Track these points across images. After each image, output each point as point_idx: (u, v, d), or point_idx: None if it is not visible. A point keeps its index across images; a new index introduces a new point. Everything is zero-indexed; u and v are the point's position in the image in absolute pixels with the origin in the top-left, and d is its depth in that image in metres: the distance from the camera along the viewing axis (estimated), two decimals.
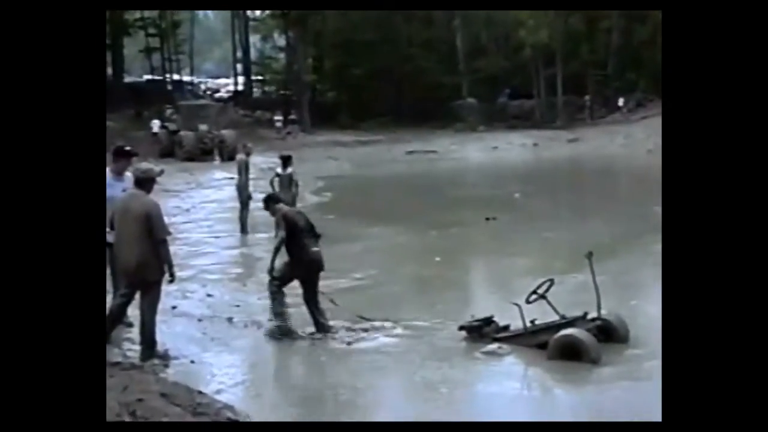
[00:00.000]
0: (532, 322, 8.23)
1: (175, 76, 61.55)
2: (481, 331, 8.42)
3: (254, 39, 64.61)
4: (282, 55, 61.07)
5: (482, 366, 7.89)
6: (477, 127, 49.95)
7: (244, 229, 15.96)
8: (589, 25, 51.41)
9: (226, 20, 69.56)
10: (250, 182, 16.70)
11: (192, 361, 8.07)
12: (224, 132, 37.39)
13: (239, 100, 58.73)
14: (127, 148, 9.15)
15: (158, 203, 7.91)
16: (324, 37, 56.16)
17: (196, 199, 21.53)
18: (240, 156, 17.42)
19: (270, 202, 9.36)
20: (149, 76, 60.37)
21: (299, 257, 9.00)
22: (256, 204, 16.67)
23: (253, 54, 64.35)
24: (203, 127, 37.23)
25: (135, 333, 8.23)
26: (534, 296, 8.33)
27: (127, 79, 57.65)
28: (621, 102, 51.44)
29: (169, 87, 57.22)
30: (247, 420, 6.06)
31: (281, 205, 9.35)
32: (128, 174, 8.53)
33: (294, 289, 10.12)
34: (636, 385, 7.14)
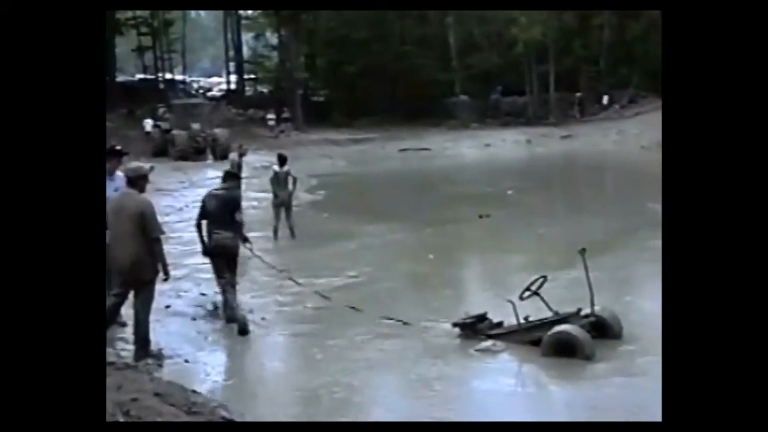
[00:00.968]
0: (525, 318, 8.25)
1: (168, 75, 61.41)
2: (475, 328, 8.42)
3: (247, 37, 64.54)
4: (275, 54, 60.97)
5: (477, 363, 7.89)
6: (470, 124, 49.96)
7: None
8: (582, 22, 51.40)
9: (218, 19, 69.32)
10: (243, 182, 16.67)
11: (186, 361, 8.07)
12: (217, 131, 37.30)
13: (232, 98, 58.57)
14: (118, 147, 9.14)
15: (152, 202, 7.91)
16: (317, 35, 56.05)
17: (189, 198, 21.46)
18: (233, 155, 17.43)
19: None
20: (142, 75, 60.22)
21: (208, 240, 9.40)
22: (249, 203, 16.70)
23: (246, 52, 64.26)
24: (196, 125, 37.14)
25: (128, 333, 8.22)
26: (527, 293, 8.34)
27: (120, 78, 57.42)
28: (606, 100, 51.59)
29: (162, 86, 57.08)
30: (242, 419, 6.06)
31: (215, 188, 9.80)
32: (119, 173, 8.54)
33: (289, 287, 10.17)
34: (631, 381, 7.16)
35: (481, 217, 17.38)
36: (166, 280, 7.95)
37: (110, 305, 7.82)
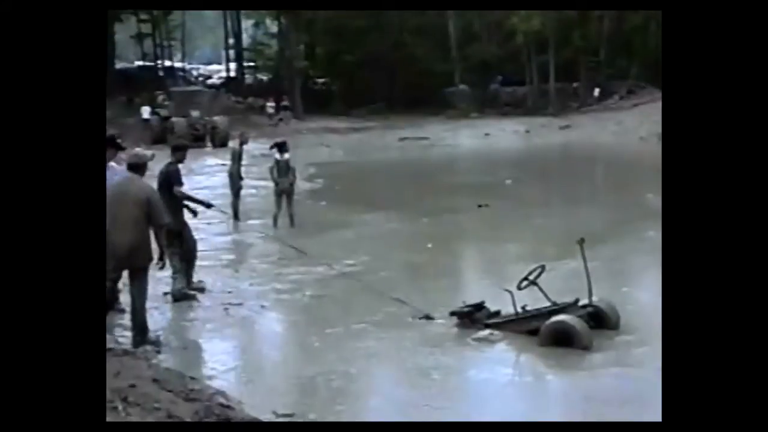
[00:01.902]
0: (523, 308, 8.25)
1: (167, 63, 61.27)
2: (473, 317, 8.42)
3: (246, 25, 64.32)
4: (274, 42, 60.84)
5: (474, 352, 7.89)
6: (469, 114, 49.93)
7: (236, 216, 15.94)
8: (581, 13, 51.26)
9: None
10: (242, 168, 16.67)
11: (184, 347, 8.08)
12: (216, 118, 37.31)
13: (231, 86, 58.49)
14: (119, 140, 9.14)
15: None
16: (316, 24, 55.89)
17: (187, 186, 21.38)
18: (234, 144, 17.40)
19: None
20: (141, 63, 59.99)
21: None
22: (248, 191, 16.68)
23: (246, 40, 64.04)
24: (195, 113, 37.14)
25: (127, 319, 8.22)
26: (525, 282, 8.34)
27: (119, 66, 57.26)
28: (597, 92, 51.57)
29: (161, 73, 56.99)
30: (240, 406, 6.07)
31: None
32: (113, 164, 8.64)
33: (288, 275, 10.16)
34: (627, 372, 7.16)
35: (479, 206, 17.37)
36: (162, 267, 8.01)
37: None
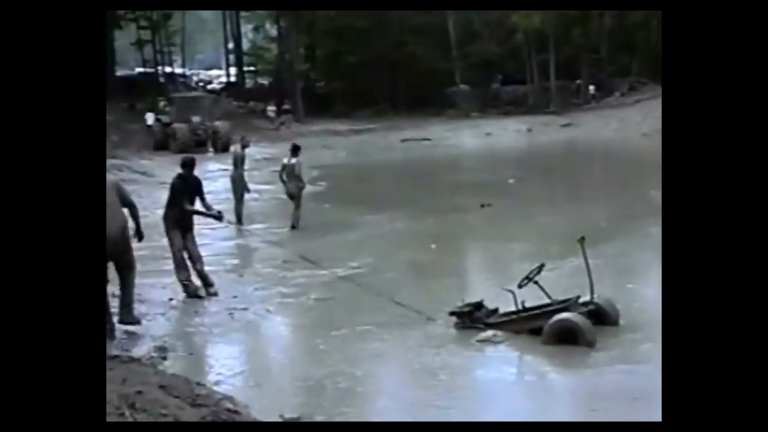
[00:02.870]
0: (522, 304, 8.25)
1: (168, 69, 61.28)
2: (472, 316, 8.41)
3: (246, 29, 64.32)
4: (274, 45, 60.85)
5: (479, 352, 7.90)
6: (470, 114, 49.86)
7: (239, 221, 15.96)
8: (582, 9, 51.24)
9: (217, 11, 69.09)
10: (245, 174, 16.71)
11: (190, 353, 8.09)
12: (218, 123, 37.29)
13: (232, 91, 58.50)
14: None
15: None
16: (316, 26, 55.86)
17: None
18: (236, 147, 17.40)
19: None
20: (141, 69, 60.05)
21: None
22: (250, 195, 16.70)
23: (246, 44, 64.05)
24: (196, 118, 37.11)
25: (136, 327, 8.27)
26: (525, 281, 8.35)
27: (120, 72, 57.33)
28: (592, 89, 51.56)
29: (162, 79, 56.98)
30: (247, 410, 6.08)
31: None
32: None
33: (293, 278, 10.17)
34: (633, 369, 7.17)
35: (483, 206, 17.36)
36: (140, 240, 8.86)
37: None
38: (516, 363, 7.82)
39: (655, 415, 5.71)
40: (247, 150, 17.18)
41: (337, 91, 56.08)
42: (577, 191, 21.85)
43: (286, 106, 50.56)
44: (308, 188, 16.90)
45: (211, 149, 35.98)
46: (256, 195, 17.53)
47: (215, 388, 6.74)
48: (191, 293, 10.03)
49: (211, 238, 13.46)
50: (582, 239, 8.40)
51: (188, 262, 10.23)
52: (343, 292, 10.15)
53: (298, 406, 6.47)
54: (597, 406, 6.44)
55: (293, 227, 15.24)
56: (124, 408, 5.05)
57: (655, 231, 12.58)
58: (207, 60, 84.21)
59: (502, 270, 11.57)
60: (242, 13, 61.04)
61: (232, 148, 22.23)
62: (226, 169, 22.31)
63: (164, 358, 7.65)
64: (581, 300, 8.29)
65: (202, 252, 10.61)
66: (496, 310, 8.54)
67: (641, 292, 9.94)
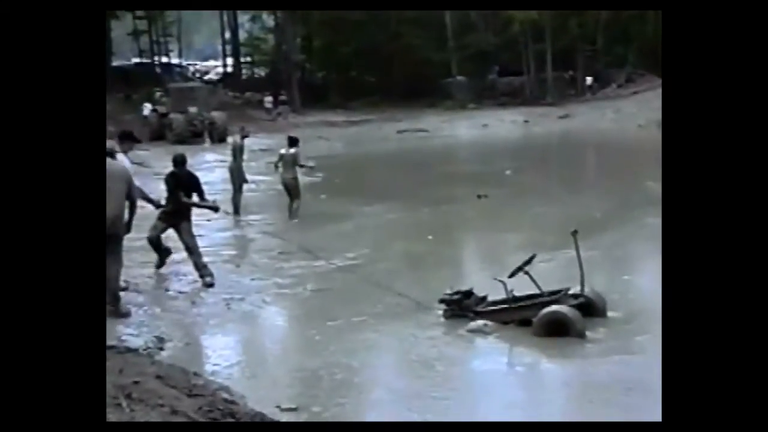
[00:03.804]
0: (511, 292, 8.25)
1: (164, 59, 61.17)
2: (461, 304, 8.41)
3: (243, 20, 64.16)
4: (271, 36, 60.72)
5: (471, 343, 7.91)
6: (467, 105, 49.88)
7: (236, 212, 15.95)
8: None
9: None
10: (243, 164, 16.70)
11: (187, 344, 8.09)
12: (214, 114, 37.28)
13: (229, 81, 58.43)
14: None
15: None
16: (312, 17, 55.71)
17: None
18: (235, 138, 17.39)
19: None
20: (138, 59, 59.95)
21: None
22: (247, 186, 16.69)
23: (242, 35, 63.92)
24: (193, 109, 37.07)
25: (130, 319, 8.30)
26: (519, 272, 8.34)
27: (116, 63, 57.18)
28: (589, 81, 51.53)
29: (158, 70, 56.88)
30: (243, 401, 6.08)
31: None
32: (122, 156, 9.75)
33: (289, 269, 10.17)
34: (629, 359, 7.19)
35: (479, 197, 17.38)
36: (128, 233, 9.05)
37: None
38: (510, 354, 7.83)
39: (650, 405, 5.77)
40: (246, 141, 17.18)
41: (333, 82, 56.03)
42: (574, 182, 21.86)
43: (282, 97, 50.52)
44: (304, 179, 16.89)
45: (207, 140, 35.96)
46: (253, 186, 17.51)
47: (212, 378, 6.74)
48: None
49: (207, 229, 13.44)
50: (575, 232, 8.39)
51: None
52: (339, 283, 10.16)
53: (295, 396, 6.48)
54: (594, 397, 6.46)
55: (291, 217, 15.25)
56: (121, 398, 5.05)
57: (651, 222, 12.60)
58: (204, 51, 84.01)
59: (498, 260, 11.56)
60: None
61: (230, 139, 22.22)
62: (223, 160, 22.33)
63: (161, 349, 7.65)
64: (571, 291, 8.30)
65: (200, 243, 10.61)
66: (485, 298, 8.54)
67: (636, 283, 9.97)
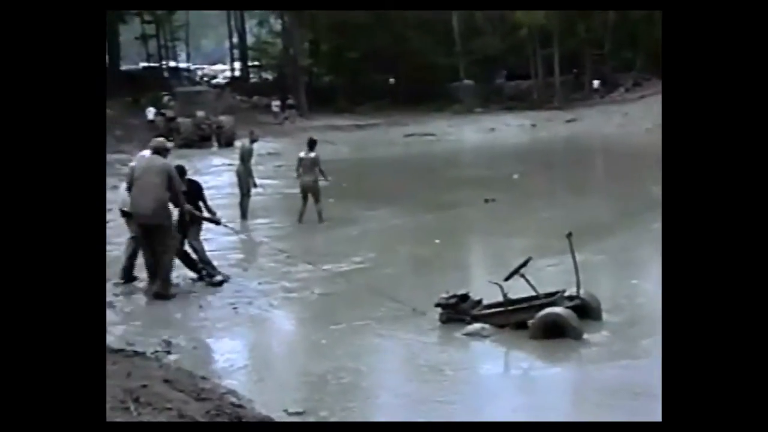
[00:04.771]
0: (505, 296, 8.25)
1: (172, 63, 61.31)
2: (457, 308, 8.42)
3: (250, 24, 64.35)
4: (278, 40, 60.82)
5: (470, 346, 7.91)
6: (474, 109, 49.81)
7: (244, 216, 15.97)
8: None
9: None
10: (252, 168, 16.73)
11: (194, 347, 8.12)
12: (222, 118, 37.38)
13: (236, 85, 58.50)
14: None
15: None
16: (319, 21, 55.80)
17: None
18: (244, 142, 17.43)
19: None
20: (145, 63, 60.06)
21: None
22: (255, 190, 16.71)
23: (250, 39, 64.08)
24: (200, 113, 37.22)
25: (138, 323, 8.32)
26: (513, 273, 8.35)
27: (124, 67, 57.36)
28: (596, 84, 51.46)
29: (166, 74, 57.00)
30: (251, 404, 6.10)
31: None
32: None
33: (296, 273, 10.18)
34: (636, 363, 7.18)
35: (486, 201, 17.38)
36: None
37: (130, 252, 10.50)
38: (512, 358, 7.81)
39: (656, 410, 5.75)
40: (255, 145, 17.22)
41: (340, 86, 56.05)
42: (581, 187, 21.84)
43: (289, 101, 50.57)
44: None
45: (215, 144, 36.01)
46: (260, 189, 17.54)
47: (219, 382, 6.76)
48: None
49: (214, 233, 13.47)
50: (569, 235, 8.39)
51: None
52: (345, 287, 10.17)
53: (302, 400, 6.49)
54: (600, 402, 6.44)
55: (320, 221, 15.28)
56: (129, 402, 5.08)
57: (657, 227, 12.59)
58: (212, 55, 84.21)
59: (504, 264, 11.50)
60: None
61: (238, 143, 22.24)
62: (230, 164, 22.36)
63: (168, 352, 7.67)
64: (566, 294, 8.31)
65: (208, 246, 10.66)
66: (480, 302, 8.55)
67: (644, 288, 9.95)
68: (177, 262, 10.33)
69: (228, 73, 65.49)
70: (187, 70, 64.55)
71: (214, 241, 12.53)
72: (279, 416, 5.92)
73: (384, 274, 10.82)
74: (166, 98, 41.80)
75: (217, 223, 11.37)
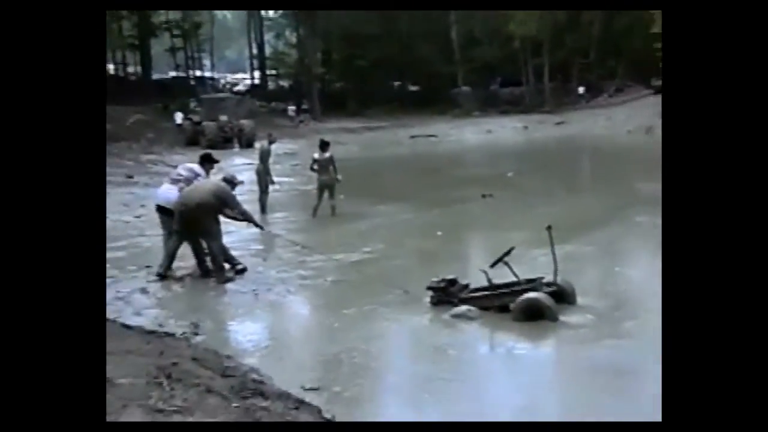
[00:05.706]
0: (489, 281, 8.27)
1: (198, 73, 61.56)
2: (446, 291, 8.44)
3: (268, 37, 64.80)
4: (294, 51, 61.12)
5: (458, 328, 7.89)
6: (472, 113, 49.91)
7: (263, 210, 16.02)
8: (573, 17, 51.06)
9: (242, 20, 69.79)
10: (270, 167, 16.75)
11: (220, 329, 8.13)
12: (243, 121, 37.51)
13: (256, 92, 58.62)
14: (217, 159, 11.41)
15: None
16: (332, 32, 55.92)
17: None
18: (263, 143, 17.45)
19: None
20: (174, 73, 60.30)
21: None
22: (272, 187, 16.72)
23: (268, 50, 64.44)
24: (223, 117, 37.41)
25: (163, 308, 8.31)
26: (497, 261, 8.40)
27: (155, 76, 57.71)
28: (581, 90, 51.44)
29: (193, 82, 57.20)
30: (271, 381, 6.11)
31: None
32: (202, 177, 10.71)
33: (311, 262, 10.15)
34: (621, 343, 7.17)
35: (484, 196, 17.34)
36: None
37: (173, 245, 10.26)
38: (501, 339, 7.75)
39: (645, 386, 5.77)
40: (273, 146, 17.25)
41: (351, 91, 56.18)
42: (570, 183, 21.79)
43: (304, 106, 50.73)
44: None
45: (236, 145, 36.21)
46: (277, 186, 17.55)
47: (242, 360, 6.77)
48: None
49: (236, 226, 13.49)
50: (549, 227, 8.41)
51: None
52: (356, 276, 10.16)
53: (317, 378, 6.49)
54: (594, 379, 6.39)
55: (333, 214, 15.26)
56: (162, 378, 5.09)
57: (642, 220, 12.76)
58: (234, 65, 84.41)
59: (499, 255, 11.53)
60: (265, 22, 61.63)
61: (258, 144, 22.22)
62: (250, 164, 22.35)
63: (196, 334, 7.69)
64: (544, 280, 8.32)
65: (230, 239, 10.65)
66: (467, 286, 8.58)
67: (627, 274, 9.96)
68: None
69: (248, 81, 65.66)
70: (212, 78, 64.70)
71: (236, 233, 12.54)
72: (296, 391, 5.92)
73: (391, 265, 10.81)
74: (192, 104, 41.86)
75: (260, 227, 11.49)
